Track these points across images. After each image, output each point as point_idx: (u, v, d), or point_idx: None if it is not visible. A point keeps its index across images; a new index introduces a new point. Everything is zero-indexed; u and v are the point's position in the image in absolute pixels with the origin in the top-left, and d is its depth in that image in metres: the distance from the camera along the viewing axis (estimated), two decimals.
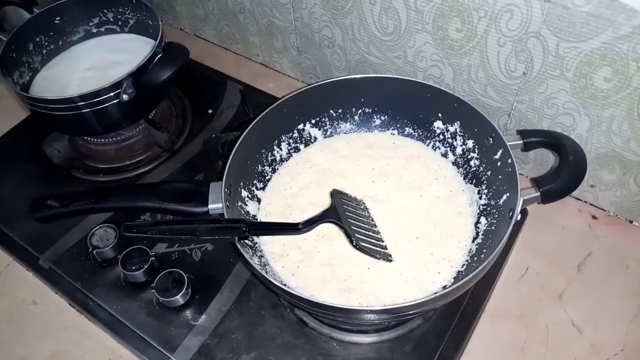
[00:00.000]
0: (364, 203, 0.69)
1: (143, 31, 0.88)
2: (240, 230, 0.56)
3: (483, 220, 0.66)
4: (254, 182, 0.72)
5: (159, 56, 0.76)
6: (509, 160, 0.62)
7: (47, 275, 0.73)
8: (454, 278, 0.62)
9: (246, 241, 0.62)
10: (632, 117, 0.63)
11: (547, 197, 0.60)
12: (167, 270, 0.68)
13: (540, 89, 0.68)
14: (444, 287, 0.60)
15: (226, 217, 0.60)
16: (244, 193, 0.70)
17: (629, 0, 0.54)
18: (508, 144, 0.63)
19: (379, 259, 0.62)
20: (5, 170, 0.86)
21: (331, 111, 0.77)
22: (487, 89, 0.73)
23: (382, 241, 0.64)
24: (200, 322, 0.66)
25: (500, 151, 0.65)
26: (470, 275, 0.53)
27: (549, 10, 0.60)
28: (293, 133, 0.76)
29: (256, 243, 0.66)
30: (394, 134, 0.78)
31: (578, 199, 0.77)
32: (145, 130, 0.87)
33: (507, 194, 0.63)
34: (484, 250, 0.62)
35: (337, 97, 0.75)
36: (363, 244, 0.61)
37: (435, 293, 0.54)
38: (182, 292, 0.66)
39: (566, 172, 0.60)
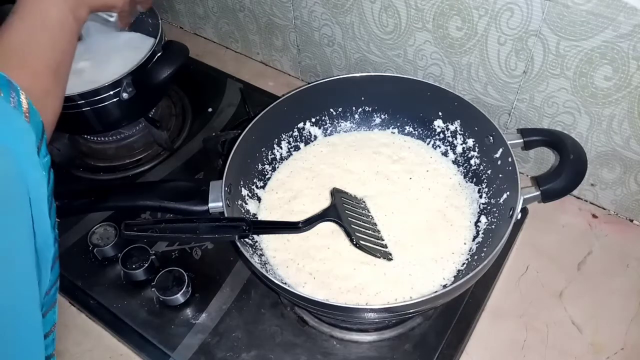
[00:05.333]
0: (364, 202, 0.69)
1: (143, 29, 0.87)
2: (240, 228, 0.56)
3: (483, 219, 0.66)
4: (254, 180, 0.72)
5: (158, 55, 0.76)
6: (509, 159, 0.62)
7: None
8: (454, 277, 0.62)
9: (246, 240, 0.62)
10: (633, 116, 0.63)
11: (548, 196, 0.60)
12: (167, 269, 0.68)
13: (541, 87, 0.68)
14: (444, 286, 0.60)
15: (226, 215, 0.60)
16: (244, 192, 0.70)
17: None
18: (508, 142, 0.63)
19: (379, 257, 0.62)
20: None
21: (331, 110, 0.77)
22: (487, 87, 0.73)
23: (382, 240, 0.64)
24: (201, 320, 0.66)
25: (501, 150, 0.65)
26: (471, 274, 0.53)
27: (549, 9, 0.60)
28: (293, 132, 0.76)
29: (256, 242, 0.66)
30: (394, 133, 0.78)
31: (578, 198, 0.77)
32: (145, 128, 0.87)
33: (508, 193, 0.63)
34: (484, 249, 0.62)
35: (337, 95, 0.75)
36: (363, 242, 0.61)
37: (436, 292, 0.54)
38: (182, 291, 0.66)
39: (566, 171, 0.60)
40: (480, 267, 0.53)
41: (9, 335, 0.36)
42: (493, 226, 0.64)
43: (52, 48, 0.51)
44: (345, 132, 0.79)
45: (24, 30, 0.49)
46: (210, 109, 0.92)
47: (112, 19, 0.72)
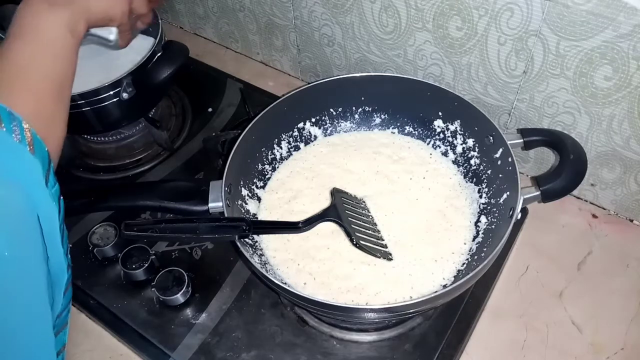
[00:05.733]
0: (364, 202, 0.69)
1: (142, 29, 0.87)
2: (240, 228, 0.56)
3: (483, 219, 0.66)
4: (254, 180, 0.72)
5: (158, 55, 0.76)
6: (510, 159, 0.62)
7: None
8: (454, 277, 0.62)
9: (246, 240, 0.62)
10: (633, 116, 0.63)
11: (548, 196, 0.60)
12: (167, 269, 0.68)
13: (541, 87, 0.68)
14: (444, 286, 0.60)
15: (226, 215, 0.60)
16: (244, 192, 0.70)
17: None
18: (508, 142, 0.63)
19: (379, 257, 0.62)
20: None
21: (331, 110, 0.77)
22: (487, 87, 0.73)
23: (382, 240, 0.64)
24: (201, 320, 0.66)
25: (501, 150, 0.65)
26: (471, 274, 0.53)
27: (549, 9, 0.60)
28: (293, 132, 0.76)
29: (256, 242, 0.66)
30: (394, 133, 0.78)
31: (578, 198, 0.77)
32: (145, 128, 0.87)
33: (508, 193, 0.63)
34: (484, 249, 0.62)
35: (337, 95, 0.75)
36: (363, 242, 0.61)
37: (436, 292, 0.54)
38: (182, 291, 0.66)
39: (566, 171, 0.60)
40: (480, 267, 0.53)
41: (24, 355, 0.37)
42: (493, 226, 0.64)
43: (53, 67, 0.49)
44: (345, 132, 0.79)
45: (22, 52, 0.48)
46: (210, 109, 0.92)
47: (112, 37, 0.69)
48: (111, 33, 0.66)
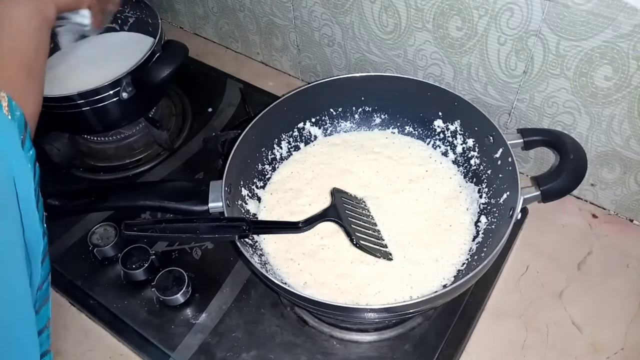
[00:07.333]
0: (364, 202, 0.69)
1: (142, 29, 0.87)
2: (240, 228, 0.56)
3: (483, 218, 0.66)
4: (254, 180, 0.72)
5: (158, 54, 0.76)
6: (510, 159, 0.62)
7: None
8: (454, 277, 0.62)
9: (246, 240, 0.62)
10: (633, 116, 0.63)
11: (548, 196, 0.60)
12: (167, 269, 0.68)
13: (541, 87, 0.68)
14: (444, 286, 0.60)
15: (226, 215, 0.60)
16: (244, 192, 0.70)
17: None
18: (508, 142, 0.63)
19: (379, 257, 0.62)
20: None
21: (331, 110, 0.77)
22: (487, 87, 0.73)
23: (382, 240, 0.64)
24: (201, 320, 0.66)
25: (501, 150, 0.65)
26: (471, 274, 0.53)
27: (549, 9, 0.60)
28: (293, 132, 0.76)
29: (256, 242, 0.66)
30: (394, 133, 0.78)
31: (578, 198, 0.77)
32: (145, 128, 0.87)
33: (508, 193, 0.63)
34: (484, 249, 0.62)
35: (337, 95, 0.75)
36: (363, 242, 0.61)
37: (436, 292, 0.54)
38: (182, 291, 0.66)
39: (566, 171, 0.60)
40: (480, 267, 0.53)
41: (1, 333, 0.36)
42: (493, 226, 0.64)
43: (22, 50, 0.50)
44: (345, 132, 0.79)
45: None
46: (210, 109, 0.92)
47: (86, 21, 0.69)
48: (85, 17, 0.67)
